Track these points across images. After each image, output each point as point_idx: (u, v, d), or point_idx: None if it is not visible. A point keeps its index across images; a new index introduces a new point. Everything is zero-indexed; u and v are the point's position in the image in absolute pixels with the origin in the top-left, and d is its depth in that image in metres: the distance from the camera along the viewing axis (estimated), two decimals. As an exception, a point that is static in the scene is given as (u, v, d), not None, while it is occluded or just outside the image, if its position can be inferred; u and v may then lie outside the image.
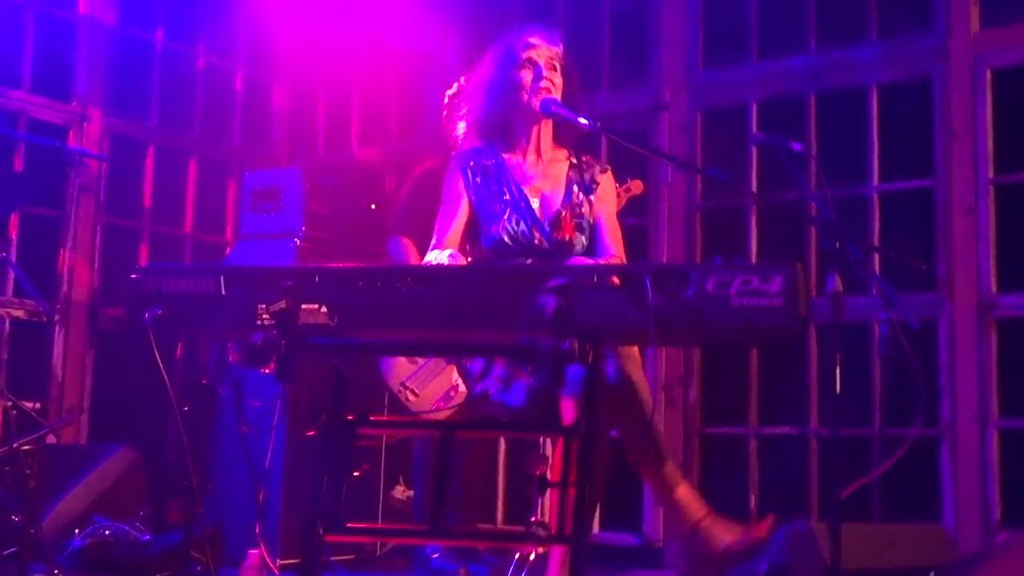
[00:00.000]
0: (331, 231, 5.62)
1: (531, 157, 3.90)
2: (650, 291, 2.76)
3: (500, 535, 5.63)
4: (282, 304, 2.90)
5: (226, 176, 6.83)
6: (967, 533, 4.83)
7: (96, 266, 6.03)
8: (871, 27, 5.41)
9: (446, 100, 5.00)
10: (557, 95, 3.82)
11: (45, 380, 5.80)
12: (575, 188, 3.88)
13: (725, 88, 5.73)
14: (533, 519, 3.25)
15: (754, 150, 5.58)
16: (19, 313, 5.75)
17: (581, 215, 3.84)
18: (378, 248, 5.34)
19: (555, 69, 3.84)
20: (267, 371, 2.96)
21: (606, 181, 3.96)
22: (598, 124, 3.73)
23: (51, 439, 5.01)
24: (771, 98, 5.61)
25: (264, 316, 2.93)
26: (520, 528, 2.88)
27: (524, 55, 3.82)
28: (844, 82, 5.44)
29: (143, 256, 6.33)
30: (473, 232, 3.88)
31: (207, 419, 5.20)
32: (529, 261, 3.76)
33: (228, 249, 6.52)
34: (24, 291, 5.44)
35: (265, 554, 3.97)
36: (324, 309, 2.93)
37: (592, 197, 3.89)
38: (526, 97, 3.81)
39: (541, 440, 3.86)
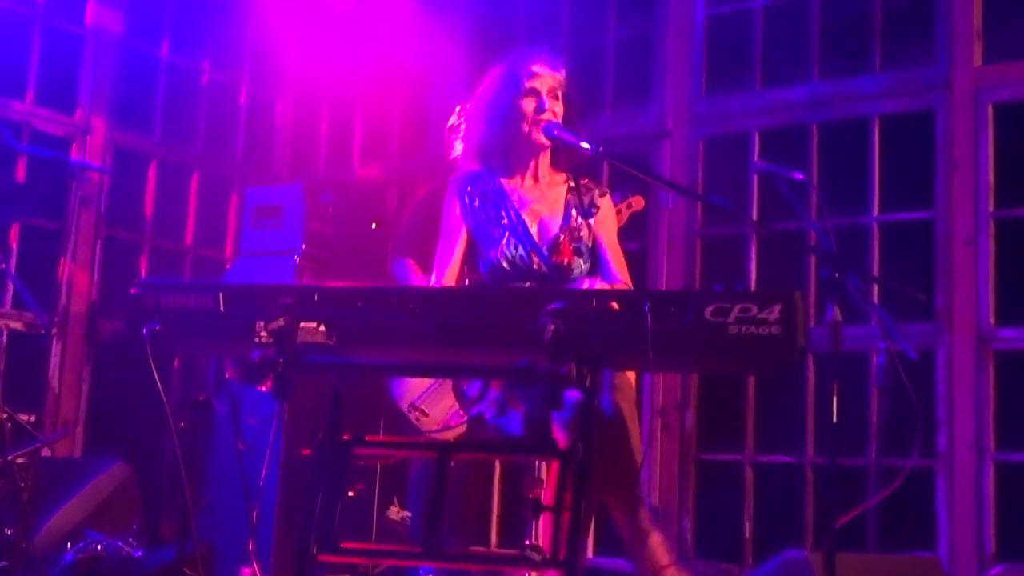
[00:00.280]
0: (332, 249, 5.62)
1: (529, 182, 3.90)
2: (649, 317, 2.76)
3: (494, 558, 5.60)
4: (280, 322, 2.89)
5: (228, 191, 6.84)
6: (961, 565, 4.81)
7: (95, 279, 6.03)
8: (874, 58, 5.43)
9: (449, 125, 5.01)
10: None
11: (41, 392, 5.79)
12: (573, 212, 3.88)
13: (728, 116, 5.74)
14: (527, 542, 3.24)
15: (755, 178, 5.58)
16: (17, 325, 5.75)
17: (579, 239, 3.84)
18: (379, 267, 5.34)
19: (557, 98, 3.84)
20: (264, 389, 2.95)
21: (606, 205, 3.96)
22: (600, 149, 3.73)
23: (46, 452, 4.99)
24: (773, 127, 5.63)
25: (262, 333, 2.93)
26: (514, 551, 2.87)
27: (527, 84, 3.80)
28: (847, 112, 5.45)
29: (143, 270, 6.33)
30: (471, 257, 3.87)
31: (203, 435, 5.19)
32: (527, 285, 3.75)
33: (228, 265, 6.52)
34: (23, 303, 5.44)
35: (257, 572, 3.96)
36: (323, 328, 2.93)
37: (591, 221, 3.89)
38: (527, 127, 3.80)
39: (536, 463, 3.84)
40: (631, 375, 3.83)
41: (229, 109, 6.90)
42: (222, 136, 6.85)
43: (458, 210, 3.88)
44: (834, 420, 3.24)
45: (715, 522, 5.47)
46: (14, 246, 5.74)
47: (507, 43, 6.30)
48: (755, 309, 2.74)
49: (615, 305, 2.82)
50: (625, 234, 5.06)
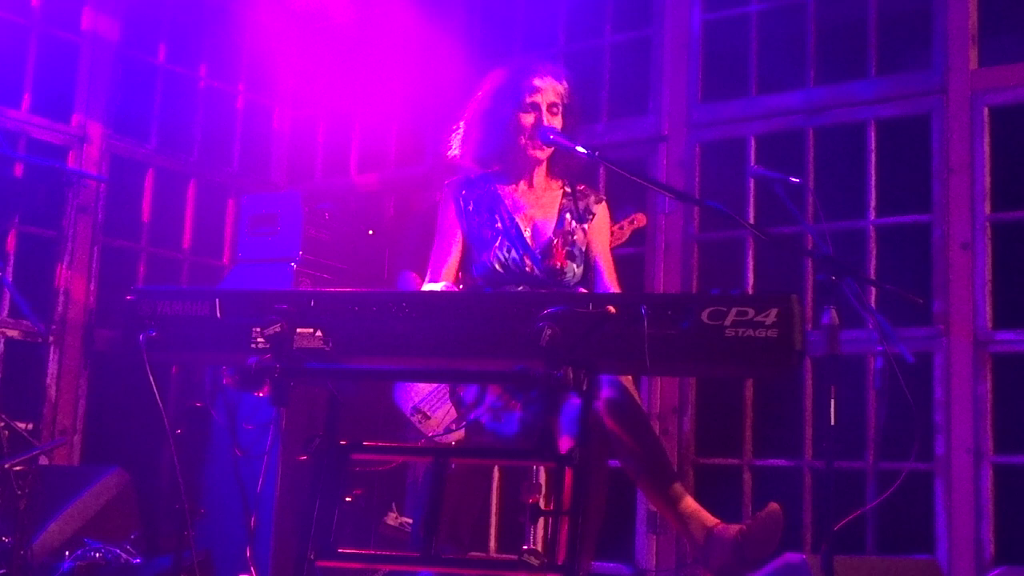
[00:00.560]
0: (328, 256, 5.62)
1: (524, 187, 3.91)
2: (646, 321, 2.76)
3: (492, 564, 5.60)
4: (277, 328, 2.89)
5: (224, 199, 6.84)
6: (960, 569, 4.81)
7: (92, 287, 6.03)
8: (870, 63, 5.43)
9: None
10: None
11: (39, 401, 5.79)
12: (567, 216, 3.88)
13: (724, 121, 5.74)
14: (525, 548, 3.24)
15: (752, 183, 5.59)
16: (14, 333, 5.75)
17: (573, 243, 3.84)
18: (375, 273, 5.34)
19: (556, 113, 3.84)
20: (261, 395, 2.95)
21: (602, 212, 3.96)
22: (596, 154, 3.73)
23: (43, 460, 4.99)
24: (770, 132, 5.63)
25: (259, 340, 2.93)
26: (512, 557, 2.87)
27: (528, 99, 3.80)
28: (843, 117, 5.45)
29: (140, 278, 6.32)
30: (465, 260, 3.88)
31: (200, 442, 5.19)
32: (521, 288, 3.76)
33: (225, 272, 6.52)
34: (20, 311, 5.44)
35: (255, 579, 3.95)
36: (319, 334, 2.93)
37: (586, 226, 3.89)
38: (524, 141, 3.81)
39: (534, 468, 3.84)
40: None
41: (226, 117, 6.90)
42: (219, 144, 6.85)
43: (453, 214, 3.88)
44: (832, 424, 3.24)
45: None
46: (11, 255, 5.73)
47: (504, 50, 6.31)
48: (752, 313, 2.75)
49: (612, 309, 2.82)
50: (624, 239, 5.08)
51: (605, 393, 3.56)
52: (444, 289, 3.68)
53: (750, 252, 5.58)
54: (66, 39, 6.10)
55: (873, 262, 5.27)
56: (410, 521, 5.26)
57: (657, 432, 5.48)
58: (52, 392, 5.82)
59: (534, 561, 2.91)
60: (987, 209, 5.03)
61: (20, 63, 5.91)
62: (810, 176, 5.45)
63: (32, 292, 5.43)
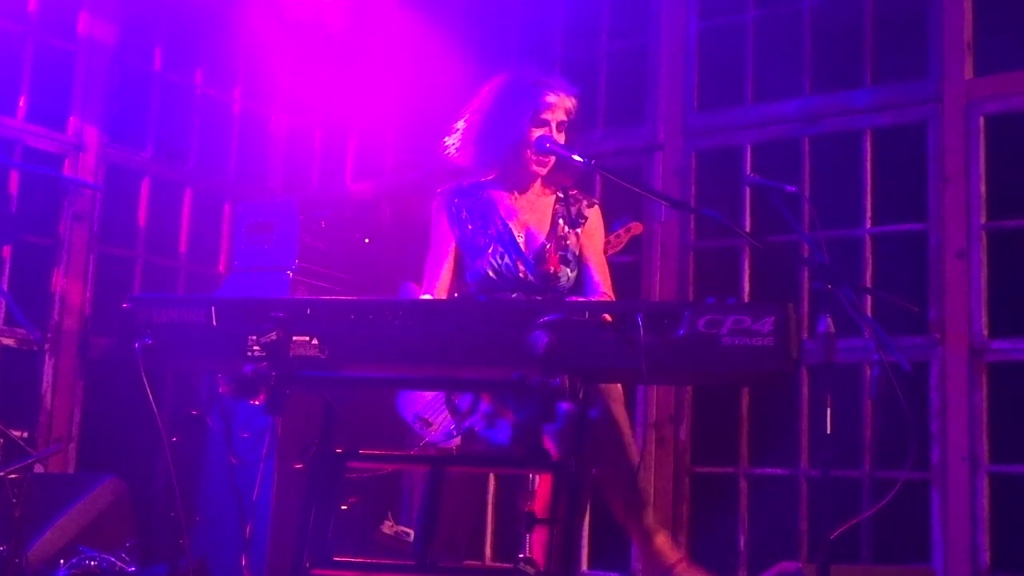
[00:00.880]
0: (324, 264, 5.62)
1: (517, 193, 3.91)
2: (642, 329, 2.76)
3: (488, 572, 5.60)
4: (273, 336, 2.89)
5: (221, 207, 6.83)
6: (956, 578, 4.81)
7: (88, 295, 6.03)
8: (866, 72, 5.44)
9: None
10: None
11: (34, 408, 5.78)
12: (560, 221, 3.89)
13: (720, 129, 5.75)
14: (521, 556, 3.24)
15: (748, 191, 5.59)
16: (9, 341, 5.74)
17: (566, 247, 3.84)
18: (372, 281, 5.34)
19: (563, 129, 3.85)
20: (257, 403, 2.95)
21: (594, 216, 3.96)
22: (592, 162, 3.74)
23: (38, 468, 4.98)
24: (766, 141, 5.63)
25: (255, 348, 2.93)
26: (508, 565, 2.87)
27: (541, 116, 3.80)
28: (839, 126, 5.46)
29: (136, 286, 6.32)
30: (459, 268, 3.88)
31: (196, 450, 5.18)
32: (515, 295, 3.76)
33: (222, 280, 6.52)
34: (15, 319, 5.43)
35: (251, 587, 3.95)
36: (315, 342, 2.93)
37: (579, 231, 3.89)
38: (529, 155, 3.81)
39: (530, 477, 3.84)
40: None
41: (222, 125, 6.90)
42: (215, 152, 6.85)
43: (446, 222, 3.89)
44: (828, 432, 3.24)
45: (710, 535, 5.46)
46: (6, 263, 5.73)
47: (501, 58, 6.32)
48: (748, 321, 2.75)
49: (608, 317, 2.82)
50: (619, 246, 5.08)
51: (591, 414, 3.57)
52: (439, 297, 3.69)
53: (746, 260, 5.58)
54: (62, 47, 6.10)
55: (869, 271, 5.27)
56: (406, 529, 5.26)
57: (652, 441, 5.50)
58: (48, 400, 5.81)
59: (530, 570, 2.91)
60: (983, 218, 5.03)
61: (16, 71, 5.91)
62: (806, 185, 5.45)
63: (28, 300, 5.42)
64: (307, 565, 2.95)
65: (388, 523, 5.40)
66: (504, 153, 3.83)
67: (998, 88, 5.09)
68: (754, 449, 5.45)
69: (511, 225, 3.84)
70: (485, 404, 3.62)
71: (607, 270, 3.94)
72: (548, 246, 3.81)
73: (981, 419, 4.88)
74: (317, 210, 5.88)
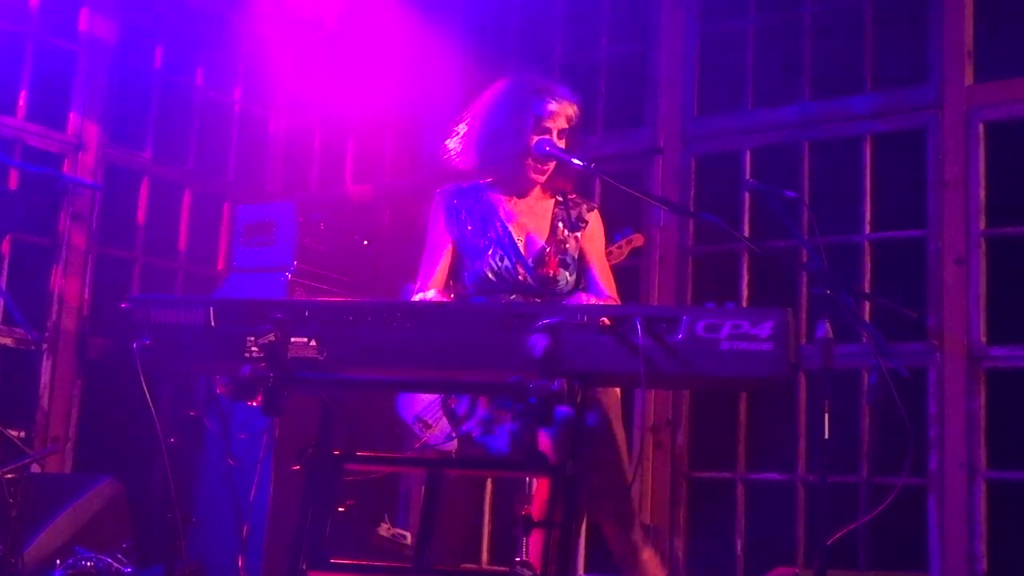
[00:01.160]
0: (323, 266, 5.62)
1: (517, 196, 3.91)
2: (640, 333, 2.76)
3: (485, 575, 5.60)
4: (271, 337, 2.89)
5: (220, 208, 6.83)
6: (953, 585, 4.81)
7: (87, 295, 6.03)
8: (865, 78, 5.44)
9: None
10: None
11: (31, 408, 5.78)
12: (560, 224, 3.88)
13: (720, 135, 5.75)
14: (518, 559, 3.24)
15: (747, 196, 5.60)
16: (7, 341, 5.74)
17: (565, 251, 3.84)
18: (370, 283, 5.34)
19: (564, 136, 3.84)
20: (254, 404, 2.95)
21: (594, 220, 3.96)
22: (592, 166, 3.73)
23: (35, 468, 4.98)
24: (765, 146, 5.64)
25: (253, 349, 2.93)
26: (505, 568, 2.87)
27: (543, 124, 3.79)
28: (838, 132, 5.46)
29: (135, 287, 6.32)
30: (456, 268, 3.88)
31: (193, 452, 5.18)
32: (513, 297, 3.75)
33: (220, 281, 6.52)
34: (13, 319, 5.43)
35: (247, 589, 3.94)
36: (313, 343, 2.92)
37: (579, 234, 3.89)
38: (529, 162, 3.80)
39: (527, 480, 3.84)
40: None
41: (221, 126, 6.90)
42: (215, 153, 6.85)
43: (444, 223, 3.88)
44: (825, 438, 3.24)
45: (706, 540, 5.46)
46: (4, 263, 5.73)
47: (500, 62, 6.32)
48: (747, 326, 2.75)
49: (607, 321, 2.82)
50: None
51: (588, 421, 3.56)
52: (435, 298, 3.67)
53: (745, 265, 5.58)
54: (62, 47, 6.10)
55: (868, 276, 5.27)
56: (403, 532, 5.26)
57: (650, 445, 5.50)
58: (45, 400, 5.81)
59: (527, 573, 2.91)
60: (982, 224, 5.03)
61: (16, 70, 5.92)
62: (805, 190, 5.45)
63: (26, 299, 5.42)
64: (304, 567, 2.95)
65: (385, 525, 5.40)
66: (505, 159, 3.83)
67: (998, 95, 5.09)
68: (751, 454, 5.45)
69: (511, 228, 3.84)
70: (482, 410, 3.62)
71: (610, 274, 3.94)
72: (548, 249, 3.81)
73: (979, 426, 4.88)
74: (316, 212, 5.89)
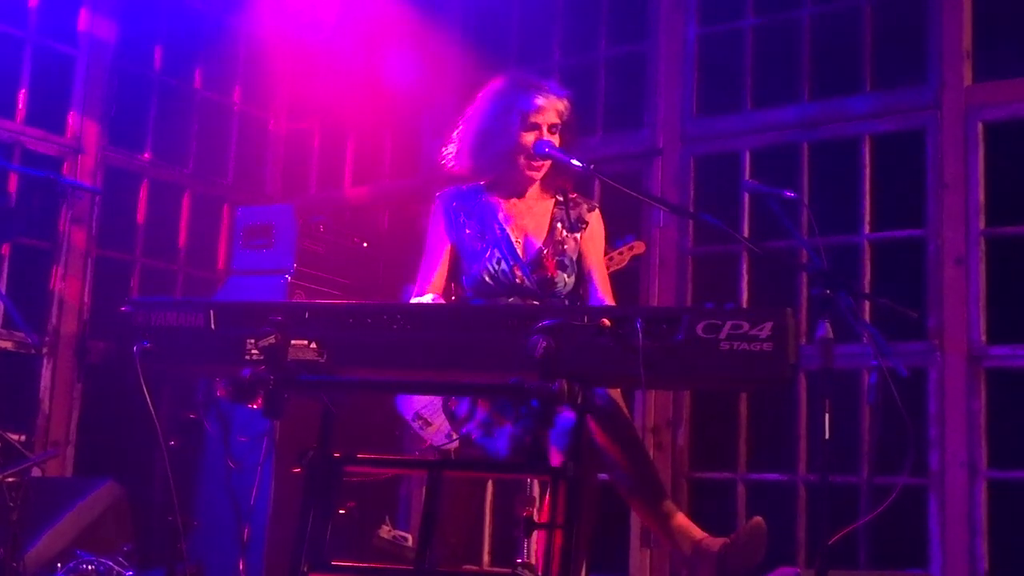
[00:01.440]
0: (323, 269, 5.62)
1: (516, 197, 3.91)
2: (641, 334, 2.76)
3: (485, 577, 5.60)
4: (271, 339, 2.89)
5: (219, 211, 6.83)
6: (954, 584, 4.81)
7: (86, 299, 6.02)
8: (864, 79, 5.45)
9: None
10: None
11: (32, 412, 5.77)
12: (559, 225, 3.88)
13: (719, 135, 5.75)
14: (519, 561, 3.24)
15: (747, 197, 5.60)
16: (7, 344, 5.73)
17: (563, 252, 3.83)
18: (370, 286, 5.33)
19: (556, 131, 3.83)
20: (255, 407, 2.95)
21: (595, 220, 3.95)
22: (591, 167, 3.73)
23: (36, 472, 4.97)
24: (764, 147, 5.64)
25: (253, 351, 2.93)
26: (507, 570, 2.87)
27: (530, 119, 3.79)
28: (837, 132, 5.46)
29: (134, 289, 6.31)
30: (455, 271, 3.88)
31: (194, 454, 5.17)
32: (511, 300, 3.75)
33: (220, 284, 6.52)
34: (13, 322, 5.43)
35: (248, 591, 3.94)
36: (313, 346, 2.92)
37: (578, 235, 3.88)
38: (522, 160, 3.80)
39: (528, 482, 3.84)
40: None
41: (220, 129, 6.90)
42: (214, 156, 6.85)
43: (443, 225, 3.89)
44: (826, 438, 3.24)
45: (707, 541, 5.45)
46: (4, 266, 5.72)
47: (499, 63, 6.31)
48: (746, 326, 2.75)
49: (607, 322, 2.82)
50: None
51: (596, 407, 3.54)
52: (433, 300, 3.67)
53: (745, 266, 5.58)
54: (62, 50, 6.09)
55: (867, 277, 5.27)
56: (403, 534, 5.25)
57: (650, 446, 5.49)
58: (45, 403, 5.81)
59: (528, 574, 2.91)
60: (981, 224, 5.03)
61: (15, 74, 5.91)
62: (804, 190, 5.45)
63: (26, 303, 5.41)
64: (304, 569, 2.94)
65: (386, 527, 5.40)
66: (497, 159, 3.83)
67: (997, 95, 5.09)
68: (752, 454, 5.45)
69: (509, 230, 3.83)
70: (482, 412, 3.61)
71: (608, 279, 3.94)
72: (545, 251, 3.80)
73: (979, 425, 4.89)
74: (316, 214, 5.89)
